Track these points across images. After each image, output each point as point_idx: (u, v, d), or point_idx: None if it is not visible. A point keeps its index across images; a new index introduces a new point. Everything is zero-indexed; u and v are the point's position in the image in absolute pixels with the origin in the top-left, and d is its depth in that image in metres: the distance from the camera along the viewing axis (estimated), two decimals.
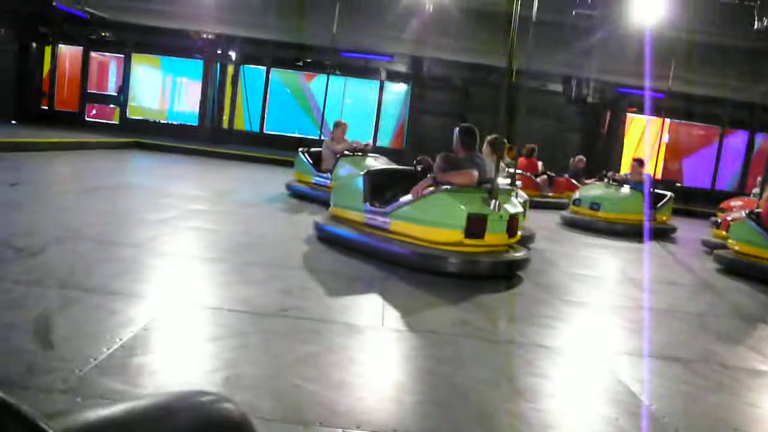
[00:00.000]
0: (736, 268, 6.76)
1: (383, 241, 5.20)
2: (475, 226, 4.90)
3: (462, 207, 4.90)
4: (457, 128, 5.56)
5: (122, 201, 7.13)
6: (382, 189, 5.74)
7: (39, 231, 4.83)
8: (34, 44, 17.57)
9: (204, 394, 0.69)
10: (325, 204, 6.75)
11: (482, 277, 4.94)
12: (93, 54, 18.30)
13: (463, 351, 3.27)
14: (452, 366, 3.01)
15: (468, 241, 4.92)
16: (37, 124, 15.90)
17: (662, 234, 9.47)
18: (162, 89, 18.64)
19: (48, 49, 17.99)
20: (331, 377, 2.69)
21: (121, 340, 2.79)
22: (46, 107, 17.97)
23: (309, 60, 18.08)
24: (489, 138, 6.83)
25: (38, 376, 2.34)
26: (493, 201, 5.02)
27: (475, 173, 5.22)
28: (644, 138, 18.67)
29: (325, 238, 5.78)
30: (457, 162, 5.34)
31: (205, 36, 17.49)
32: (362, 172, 5.91)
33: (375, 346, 3.24)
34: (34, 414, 0.33)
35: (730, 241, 7.08)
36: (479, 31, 15.22)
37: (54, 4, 15.81)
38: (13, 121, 15.67)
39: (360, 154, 8.67)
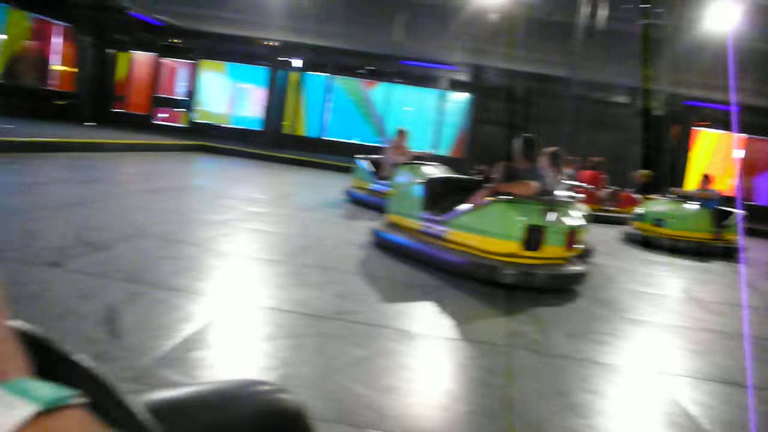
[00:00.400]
0: None
1: (439, 250, 5.20)
2: (533, 237, 4.84)
3: (520, 218, 4.85)
4: (518, 139, 5.51)
5: (186, 201, 7.36)
6: (440, 197, 5.74)
7: (109, 227, 5.04)
8: (110, 51, 18.39)
9: (264, 384, 0.72)
10: (383, 211, 6.80)
11: (538, 289, 4.87)
12: (164, 60, 19.01)
13: (516, 363, 3.23)
14: (505, 377, 2.99)
15: (525, 253, 4.87)
16: (111, 125, 16.60)
17: (731, 253, 9.11)
18: (227, 94, 19.18)
19: (123, 55, 18.80)
20: (382, 381, 2.71)
21: (181, 334, 2.88)
22: (119, 110, 18.77)
23: (370, 68, 18.28)
24: (549, 150, 6.75)
25: (104, 364, 2.45)
26: (552, 213, 4.96)
27: (535, 184, 5.16)
28: (713, 153, 18.03)
29: (381, 244, 5.82)
30: (517, 173, 5.30)
31: (270, 43, 17.92)
32: (421, 180, 5.93)
33: (427, 353, 3.25)
34: (120, 388, 0.35)
35: None
36: (543, 40, 15.05)
37: (130, 13, 16.51)
38: (90, 123, 16.40)
39: (419, 162, 8.69)
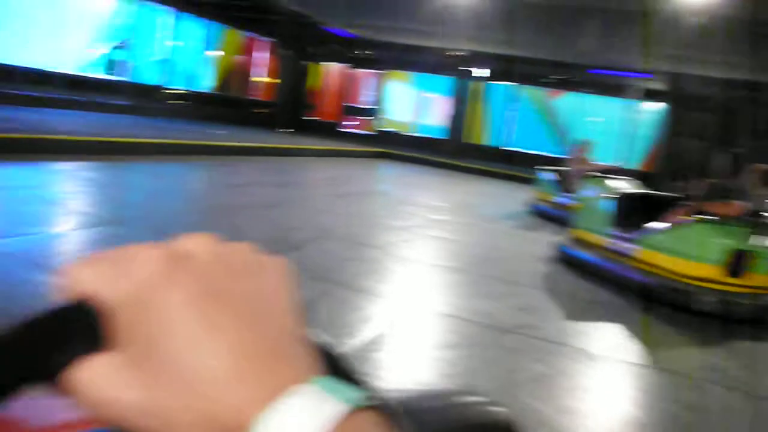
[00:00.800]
0: None
1: (627, 269, 4.89)
2: (738, 262, 4.38)
3: (724, 240, 4.42)
4: (722, 153, 5.03)
5: (370, 206, 7.67)
6: (630, 214, 5.41)
7: (300, 228, 5.41)
8: (306, 62, 19.79)
9: (477, 395, 0.72)
10: (566, 225, 6.57)
11: (741, 320, 4.39)
12: (353, 70, 20.04)
13: (712, 400, 2.94)
14: (699, 414, 2.73)
15: (727, 279, 4.42)
16: (303, 132, 17.82)
17: None
18: (412, 103, 19.72)
19: (316, 67, 20.14)
20: (560, 401, 2.61)
21: (363, 334, 3.00)
22: (311, 118, 20.09)
23: (556, 77, 17.78)
24: (760, 166, 6.07)
25: None
26: (761, 236, 4.45)
27: (742, 204, 4.68)
28: None
29: (564, 259, 5.61)
30: (721, 190, 4.84)
31: (455, 54, 18.13)
32: (612, 195, 5.63)
33: (609, 376, 3.07)
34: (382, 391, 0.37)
35: None
36: (750, 44, 13.61)
37: (325, 27, 17.65)
38: (285, 130, 17.75)
39: (607, 175, 8.26)
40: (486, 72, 18.53)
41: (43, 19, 12.23)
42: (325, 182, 10.20)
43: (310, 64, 20.13)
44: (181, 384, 0.27)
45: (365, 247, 5.07)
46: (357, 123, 20.09)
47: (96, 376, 0.28)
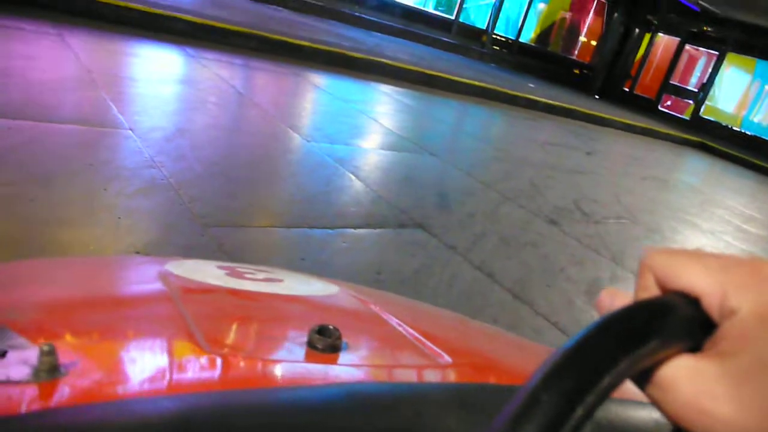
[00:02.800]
0: None
1: None
2: None
3: None
4: None
5: (676, 197, 7.07)
6: None
7: (602, 202, 5.21)
8: (635, 29, 18.46)
9: None
10: None
11: None
12: (687, 47, 18.17)
13: None
14: None
15: None
16: (614, 102, 16.89)
17: None
18: (746, 94, 17.36)
19: (647, 36, 18.66)
20: None
21: None
22: (627, 89, 18.88)
23: None
24: None
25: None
26: None
27: None
28: None
29: None
30: None
31: None
32: None
33: None
34: None
35: None
36: None
37: None
38: (596, 96, 17.02)
39: None
40: None
41: None
42: (631, 160, 9.61)
43: (639, 32, 18.74)
44: None
45: (668, 242, 4.71)
46: (674, 104, 18.42)
47: (689, 379, 0.27)
